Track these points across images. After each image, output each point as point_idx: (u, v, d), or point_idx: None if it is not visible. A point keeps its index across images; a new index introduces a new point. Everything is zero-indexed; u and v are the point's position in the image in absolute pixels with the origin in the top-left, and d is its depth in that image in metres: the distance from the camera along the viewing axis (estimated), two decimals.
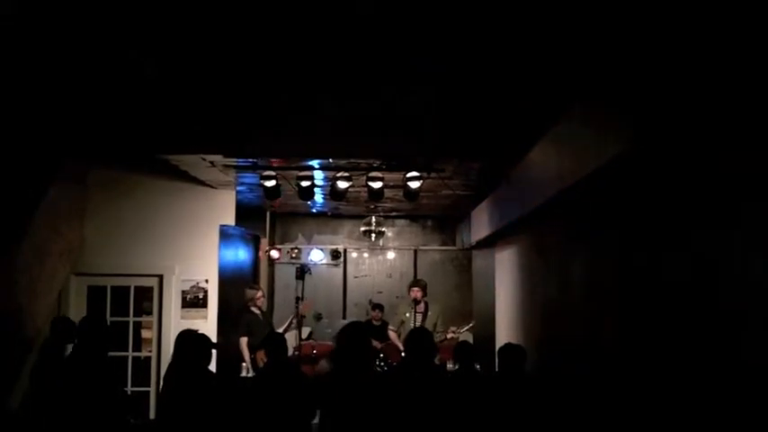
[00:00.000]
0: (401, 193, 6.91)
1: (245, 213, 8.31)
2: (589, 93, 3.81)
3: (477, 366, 6.27)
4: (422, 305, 7.99)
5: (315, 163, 6.23)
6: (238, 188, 7.44)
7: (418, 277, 9.87)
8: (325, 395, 3.58)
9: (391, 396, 3.97)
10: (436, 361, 7.30)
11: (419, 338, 4.55)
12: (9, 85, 4.15)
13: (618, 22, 3.03)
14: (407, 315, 8.08)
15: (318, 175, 6.69)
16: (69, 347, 5.28)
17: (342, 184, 6.45)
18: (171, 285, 7.23)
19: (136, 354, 7.16)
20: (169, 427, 4.36)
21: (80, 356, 4.59)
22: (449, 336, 7.98)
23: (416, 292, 8.01)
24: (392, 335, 8.36)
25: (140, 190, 7.24)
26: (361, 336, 3.65)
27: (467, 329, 8.39)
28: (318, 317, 10.77)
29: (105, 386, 4.56)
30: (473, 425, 4.46)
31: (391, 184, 6.75)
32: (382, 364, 8.10)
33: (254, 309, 7.66)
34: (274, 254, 10.45)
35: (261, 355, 6.47)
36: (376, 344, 8.61)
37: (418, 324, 7.63)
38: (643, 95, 3.06)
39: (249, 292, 7.78)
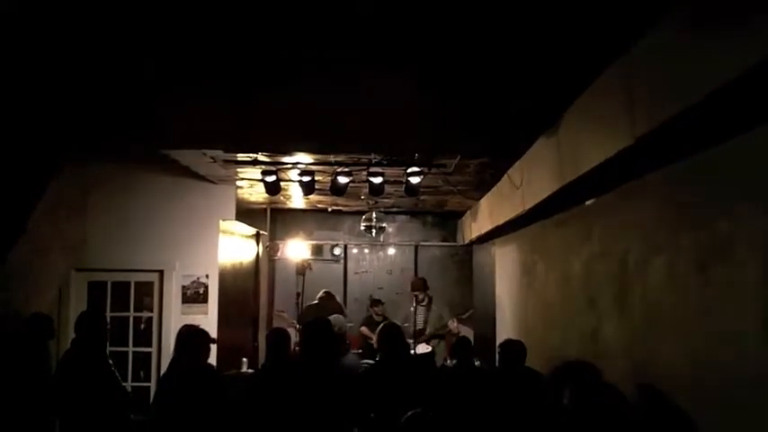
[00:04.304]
0: (402, 189, 6.90)
1: (246, 209, 8.31)
2: (589, 90, 3.80)
3: (477, 362, 6.29)
4: (425, 299, 8.15)
5: (315, 158, 6.21)
6: (239, 183, 7.44)
7: (419, 273, 10.01)
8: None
9: (382, 390, 3.98)
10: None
11: (390, 332, 4.61)
12: (8, 80, 4.14)
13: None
14: (411, 309, 8.16)
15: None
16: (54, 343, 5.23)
17: (342, 180, 6.44)
18: (171, 281, 7.24)
19: (136, 349, 7.17)
20: (168, 423, 4.35)
21: (79, 351, 4.58)
22: (453, 325, 8.05)
23: (416, 292, 8.21)
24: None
25: (141, 185, 7.24)
26: (327, 330, 3.77)
27: (467, 316, 8.69)
28: None
29: (105, 381, 4.56)
30: (472, 419, 4.46)
31: (392, 179, 6.74)
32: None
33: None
34: (278, 250, 10.44)
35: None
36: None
37: (423, 318, 7.87)
38: (639, 93, 3.05)
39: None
